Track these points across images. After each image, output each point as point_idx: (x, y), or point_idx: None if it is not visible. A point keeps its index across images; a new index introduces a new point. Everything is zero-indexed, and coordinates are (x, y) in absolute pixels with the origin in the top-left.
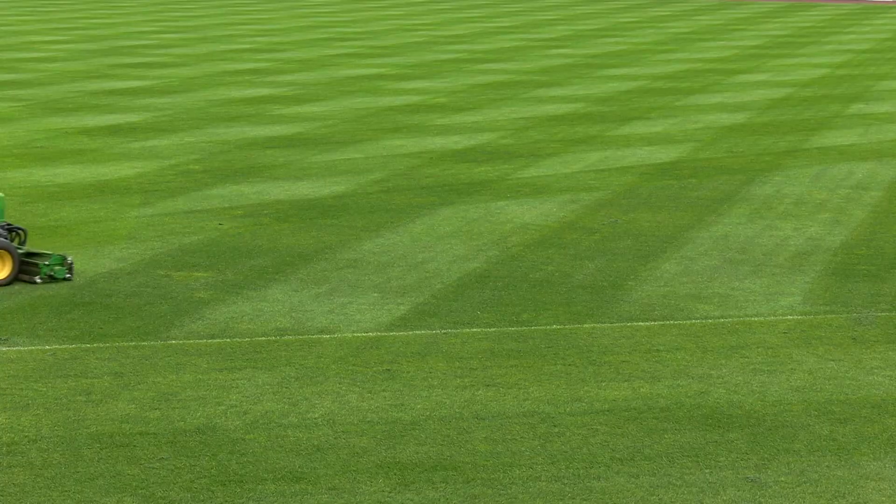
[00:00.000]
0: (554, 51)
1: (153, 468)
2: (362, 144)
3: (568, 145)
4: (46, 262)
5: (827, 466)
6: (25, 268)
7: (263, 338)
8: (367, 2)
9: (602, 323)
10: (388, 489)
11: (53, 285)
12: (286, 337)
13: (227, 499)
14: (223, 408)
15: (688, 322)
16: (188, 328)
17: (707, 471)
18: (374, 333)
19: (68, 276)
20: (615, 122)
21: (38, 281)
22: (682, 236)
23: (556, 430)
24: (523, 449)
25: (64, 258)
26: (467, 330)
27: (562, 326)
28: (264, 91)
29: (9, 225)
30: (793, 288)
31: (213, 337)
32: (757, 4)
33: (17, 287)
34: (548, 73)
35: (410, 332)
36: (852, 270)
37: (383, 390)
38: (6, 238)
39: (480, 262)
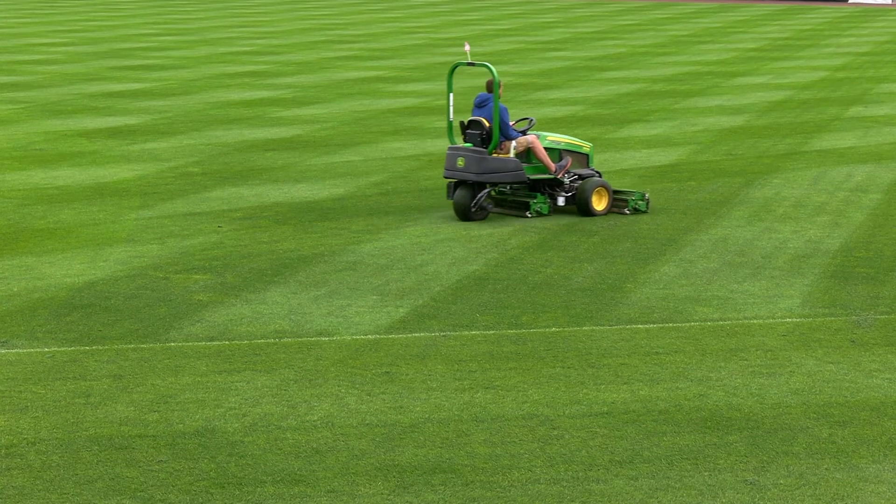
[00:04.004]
0: (552, 53)
1: (152, 470)
2: (361, 147)
3: None
4: (632, 198)
5: (826, 469)
6: (616, 202)
7: (262, 340)
8: (366, 4)
9: (601, 325)
10: (386, 491)
11: (52, 286)
12: (285, 339)
13: (225, 501)
14: (222, 410)
15: (687, 325)
16: (187, 330)
17: (706, 473)
18: (373, 336)
19: (645, 210)
20: (614, 125)
21: (627, 212)
22: (681, 239)
23: (555, 432)
24: (522, 451)
25: (643, 194)
26: (466, 332)
27: (561, 329)
28: (263, 93)
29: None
30: (792, 290)
31: (211, 339)
32: (756, 7)
33: (15, 289)
34: (546, 75)
35: (409, 335)
36: (851, 273)
37: (382, 393)
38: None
39: (479, 264)
